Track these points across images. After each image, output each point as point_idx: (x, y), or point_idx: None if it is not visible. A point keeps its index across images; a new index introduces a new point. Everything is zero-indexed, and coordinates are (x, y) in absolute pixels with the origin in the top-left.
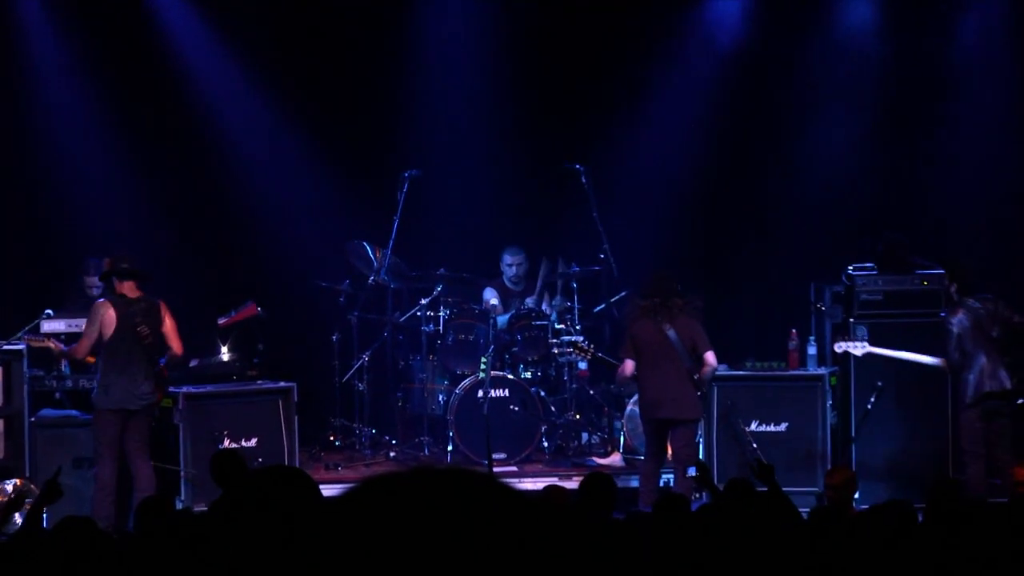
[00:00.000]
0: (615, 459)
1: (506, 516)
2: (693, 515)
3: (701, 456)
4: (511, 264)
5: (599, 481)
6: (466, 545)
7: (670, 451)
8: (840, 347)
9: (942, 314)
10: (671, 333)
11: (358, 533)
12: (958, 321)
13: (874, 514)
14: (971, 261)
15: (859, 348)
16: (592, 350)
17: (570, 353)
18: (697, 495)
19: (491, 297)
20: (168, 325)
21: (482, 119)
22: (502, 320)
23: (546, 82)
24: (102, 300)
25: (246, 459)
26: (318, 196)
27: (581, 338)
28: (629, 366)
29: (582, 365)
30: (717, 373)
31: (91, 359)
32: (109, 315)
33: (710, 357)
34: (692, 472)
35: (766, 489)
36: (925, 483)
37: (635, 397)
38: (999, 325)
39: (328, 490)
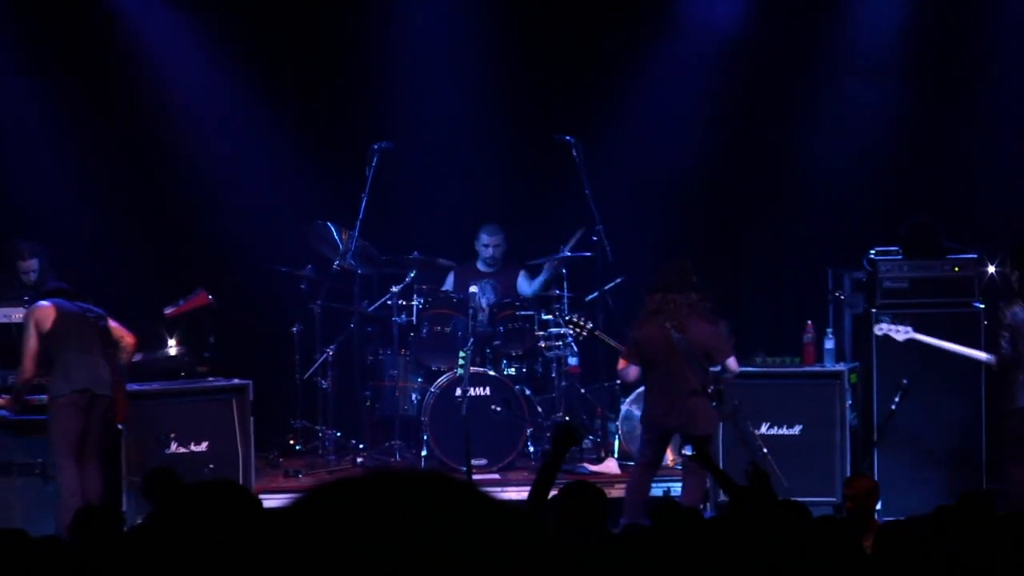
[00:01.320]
0: (610, 465)
1: (485, 529)
2: (703, 529)
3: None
4: (488, 244)
5: (583, 491)
6: (435, 564)
7: (670, 458)
8: (880, 329)
9: (976, 304)
10: (679, 340)
11: (302, 552)
12: (1012, 314)
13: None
14: None
15: (902, 333)
16: (590, 328)
17: (559, 347)
18: (703, 505)
19: (452, 285)
20: (112, 323)
21: (463, 86)
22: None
23: (535, 47)
24: (34, 305)
25: (180, 476)
26: (277, 171)
27: (577, 315)
28: (633, 372)
29: (572, 361)
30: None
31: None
32: (41, 310)
33: (732, 364)
34: (688, 451)
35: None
36: (956, 493)
37: (631, 396)
38: None
39: (284, 502)
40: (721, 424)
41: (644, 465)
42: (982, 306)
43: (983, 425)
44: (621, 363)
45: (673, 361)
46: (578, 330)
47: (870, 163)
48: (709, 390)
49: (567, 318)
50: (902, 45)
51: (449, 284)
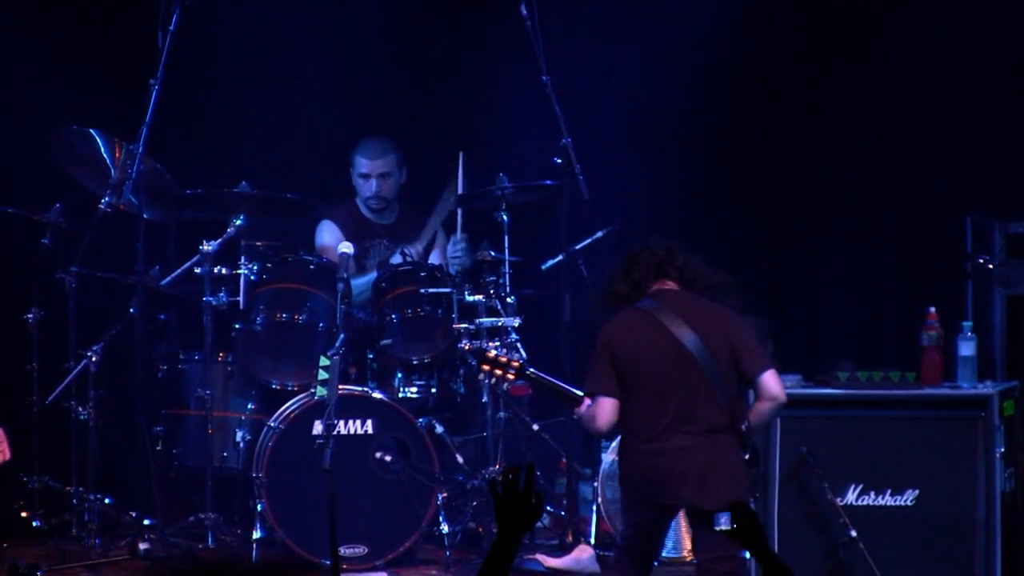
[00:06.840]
0: (581, 557)
1: None
2: None
3: None
4: (368, 173)
5: None
6: None
7: (688, 549)
8: None
9: None
10: (688, 338)
11: None
12: None
13: None
14: None
15: None
16: (523, 364)
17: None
18: None
19: (333, 241)
20: None
21: None
22: (361, 284)
23: None
24: None
25: None
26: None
27: (501, 348)
28: (606, 409)
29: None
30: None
31: None
32: None
33: (770, 383)
34: (724, 523)
35: None
36: None
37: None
38: None
39: None
40: (776, 485)
41: (631, 554)
42: None
43: None
44: (583, 404)
45: (677, 376)
46: (499, 373)
47: None
48: (743, 428)
49: (479, 350)
50: None
51: (324, 239)
